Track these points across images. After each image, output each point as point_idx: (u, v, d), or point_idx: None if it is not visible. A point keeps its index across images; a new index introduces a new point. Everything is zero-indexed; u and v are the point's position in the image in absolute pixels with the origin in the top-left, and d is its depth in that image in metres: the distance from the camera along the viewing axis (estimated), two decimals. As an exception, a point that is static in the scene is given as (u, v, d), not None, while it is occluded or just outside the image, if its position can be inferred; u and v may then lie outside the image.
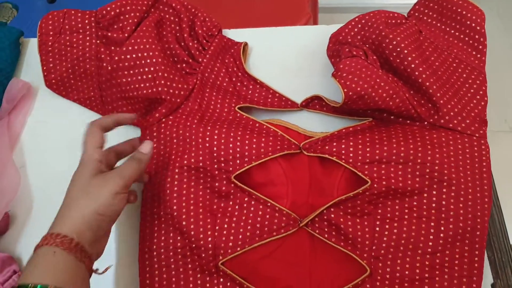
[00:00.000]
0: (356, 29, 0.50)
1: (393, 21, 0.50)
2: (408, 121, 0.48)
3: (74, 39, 0.53)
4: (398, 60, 0.47)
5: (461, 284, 0.43)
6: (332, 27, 0.55)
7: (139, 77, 0.49)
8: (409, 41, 0.47)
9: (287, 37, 0.58)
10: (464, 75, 0.49)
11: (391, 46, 0.47)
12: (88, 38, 0.53)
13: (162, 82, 0.48)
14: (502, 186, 1.20)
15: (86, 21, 0.54)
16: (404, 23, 0.51)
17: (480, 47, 0.50)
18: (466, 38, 0.50)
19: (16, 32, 0.54)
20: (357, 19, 0.50)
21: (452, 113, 0.47)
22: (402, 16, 0.51)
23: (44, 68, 0.52)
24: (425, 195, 0.45)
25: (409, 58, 0.46)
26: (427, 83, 0.46)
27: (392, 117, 0.49)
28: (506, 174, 1.24)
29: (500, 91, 1.38)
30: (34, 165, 0.52)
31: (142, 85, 0.49)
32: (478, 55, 0.50)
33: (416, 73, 0.46)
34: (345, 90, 0.45)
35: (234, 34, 0.57)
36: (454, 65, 0.50)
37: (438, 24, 0.52)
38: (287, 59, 0.56)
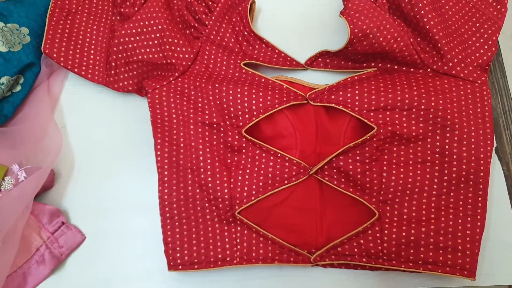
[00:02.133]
0: None
1: None
2: (412, 69, 0.50)
3: (91, 20, 0.55)
4: (409, 6, 0.48)
5: (465, 223, 0.45)
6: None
7: (145, 43, 0.50)
8: None
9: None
10: (478, 24, 0.50)
11: None
12: (103, 19, 0.56)
13: (167, 47, 0.50)
14: None
15: (106, 6, 0.56)
16: None
17: None
18: None
19: None
20: None
21: (455, 60, 0.48)
22: None
23: (49, 37, 0.53)
24: (429, 140, 0.46)
25: (420, 4, 0.47)
26: (434, 30, 0.47)
27: (396, 66, 0.50)
28: None
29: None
30: (74, 125, 0.55)
31: (148, 50, 0.50)
32: (498, 6, 0.51)
33: (425, 19, 0.47)
34: (351, 26, 0.46)
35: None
36: (470, 14, 0.51)
37: None
38: (294, 19, 0.57)
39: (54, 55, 0.52)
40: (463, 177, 0.46)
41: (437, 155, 0.46)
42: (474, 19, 0.51)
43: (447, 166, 0.46)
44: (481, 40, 0.49)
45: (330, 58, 0.53)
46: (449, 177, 0.46)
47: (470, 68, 0.48)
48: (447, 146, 0.46)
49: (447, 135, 0.46)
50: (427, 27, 0.47)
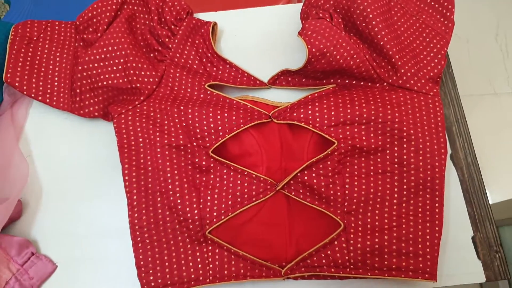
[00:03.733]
0: None
1: None
2: (369, 83, 0.52)
3: (53, 48, 0.55)
4: (363, 24, 0.50)
5: (425, 228, 0.48)
6: (297, 7, 0.59)
7: (109, 68, 0.51)
8: (376, 6, 0.51)
9: (257, 18, 0.60)
10: (427, 39, 0.53)
11: (358, 10, 0.50)
12: (66, 46, 0.56)
13: (132, 71, 0.51)
14: (487, 147, 1.25)
15: (68, 32, 0.56)
16: None
17: (448, 14, 0.54)
18: (436, 5, 0.54)
19: (10, 27, 0.54)
20: None
21: (409, 74, 0.51)
22: None
23: (10, 65, 0.53)
24: (388, 151, 0.49)
25: (373, 22, 0.50)
26: (388, 46, 0.50)
27: (354, 82, 0.53)
28: (490, 135, 1.30)
29: (484, 56, 1.41)
30: (40, 153, 0.55)
31: (112, 75, 0.51)
32: (446, 22, 0.54)
33: (379, 36, 0.50)
34: (309, 46, 0.48)
35: (206, 17, 0.59)
36: (420, 29, 0.54)
37: None
38: (256, 39, 0.59)
39: (17, 84, 0.52)
40: (420, 185, 0.48)
41: (396, 165, 0.49)
42: (424, 34, 0.54)
43: (405, 176, 0.48)
44: (431, 54, 0.52)
45: (292, 76, 0.55)
46: (408, 185, 0.48)
47: (423, 81, 0.51)
48: (404, 156, 0.49)
49: (404, 145, 0.49)
50: (381, 43, 0.50)
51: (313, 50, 0.48)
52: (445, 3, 0.54)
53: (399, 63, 0.51)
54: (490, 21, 1.60)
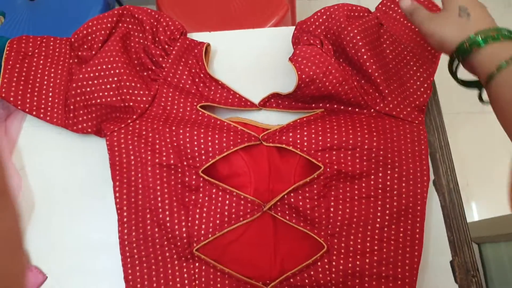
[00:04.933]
0: (320, 20, 0.55)
1: (355, 14, 0.55)
2: (356, 109, 0.54)
3: (48, 63, 0.56)
4: (353, 51, 0.52)
5: (405, 253, 0.49)
6: (288, 30, 0.60)
7: (103, 86, 0.52)
8: (365, 34, 0.52)
9: (249, 39, 0.62)
10: (414, 68, 0.55)
11: (348, 38, 0.52)
12: (61, 62, 0.56)
13: (125, 90, 0.52)
14: (475, 164, 1.27)
15: (63, 48, 0.57)
16: (366, 16, 0.55)
17: None
18: None
19: (5, 41, 0.55)
20: (322, 10, 0.55)
21: (395, 102, 0.53)
22: (365, 10, 0.56)
23: (5, 80, 0.54)
24: (372, 177, 0.50)
25: (362, 50, 0.51)
26: (375, 74, 0.52)
27: (342, 107, 0.54)
28: (478, 152, 1.31)
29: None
30: (33, 167, 0.56)
31: (106, 93, 0.52)
32: (433, 51, 0.55)
33: (367, 63, 0.51)
34: (299, 73, 0.50)
35: (201, 37, 0.60)
36: (408, 58, 0.55)
37: (401, 19, 0.57)
38: (248, 61, 0.60)
39: (11, 99, 0.53)
40: (402, 211, 0.50)
41: (379, 191, 0.50)
42: (411, 63, 0.55)
43: (388, 201, 0.50)
44: (418, 83, 0.54)
45: (282, 99, 0.56)
46: (390, 211, 0.50)
47: (408, 109, 0.53)
48: (388, 183, 0.50)
49: (388, 172, 0.50)
50: (369, 71, 0.52)
51: (303, 76, 0.50)
52: None
53: (386, 91, 0.52)
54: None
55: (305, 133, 0.51)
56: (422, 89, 0.54)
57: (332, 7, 0.55)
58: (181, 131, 0.51)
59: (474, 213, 1.30)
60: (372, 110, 0.53)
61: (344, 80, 0.51)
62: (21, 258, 0.22)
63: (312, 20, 0.56)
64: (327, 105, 0.54)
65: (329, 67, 0.50)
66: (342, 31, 0.52)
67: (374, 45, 0.53)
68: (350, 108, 0.54)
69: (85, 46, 0.55)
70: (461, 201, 0.55)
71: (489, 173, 1.29)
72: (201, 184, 0.51)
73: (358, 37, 0.51)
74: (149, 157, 0.51)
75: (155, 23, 0.56)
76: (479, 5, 0.44)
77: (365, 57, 0.51)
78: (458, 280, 0.52)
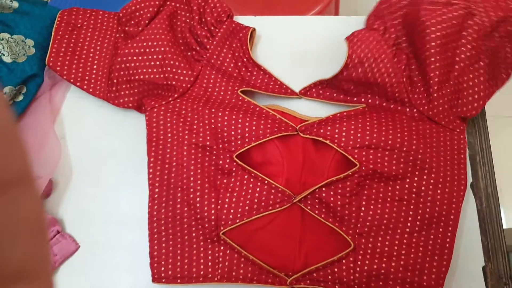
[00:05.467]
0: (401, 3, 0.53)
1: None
2: (399, 107, 0.52)
3: (95, 36, 0.57)
4: (419, 43, 0.50)
5: (433, 261, 0.48)
6: (334, 19, 0.59)
7: (147, 63, 0.53)
8: (442, 26, 0.48)
9: (296, 26, 0.61)
10: (481, 79, 0.50)
11: (419, 28, 0.49)
12: (108, 36, 0.57)
13: (169, 68, 0.52)
14: (508, 170, 1.23)
15: (110, 22, 0.58)
16: (453, 3, 0.50)
17: None
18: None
19: (56, 12, 0.57)
20: None
21: (441, 108, 0.51)
22: None
23: (53, 50, 0.55)
24: (407, 180, 0.49)
25: (432, 43, 0.48)
26: (433, 73, 0.49)
27: (384, 104, 0.53)
28: (510, 158, 1.27)
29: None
30: (73, 137, 0.57)
31: (149, 70, 0.53)
32: (510, 70, 0.51)
33: (427, 60, 0.49)
34: (350, 51, 0.49)
35: (246, 21, 0.60)
36: (480, 64, 0.50)
37: (493, 15, 0.50)
38: (292, 48, 0.60)
39: (58, 68, 0.54)
40: (435, 218, 0.49)
41: (413, 195, 0.49)
42: (480, 71, 0.50)
43: (421, 206, 0.49)
44: (476, 97, 0.51)
45: (324, 89, 0.55)
46: (422, 216, 0.49)
47: (451, 117, 0.51)
48: (423, 188, 0.49)
49: (424, 177, 0.49)
50: (428, 68, 0.49)
51: (353, 56, 0.49)
52: None
53: (435, 94, 0.50)
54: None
55: (344, 128, 0.50)
56: (475, 105, 0.51)
57: None
58: (220, 113, 0.51)
59: (506, 220, 1.26)
60: (415, 110, 0.52)
61: (393, 72, 0.50)
62: (44, 243, 0.23)
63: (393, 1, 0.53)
64: (369, 100, 0.53)
65: (382, 56, 0.49)
66: (417, 19, 0.49)
67: (449, 39, 0.49)
68: (392, 106, 0.53)
69: (132, 22, 0.56)
70: (498, 207, 0.53)
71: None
72: (234, 169, 0.51)
73: (428, 30, 0.48)
74: (186, 136, 0.51)
75: (203, 4, 0.56)
76: None
77: (429, 52, 0.48)
78: (490, 287, 0.51)
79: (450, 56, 0.50)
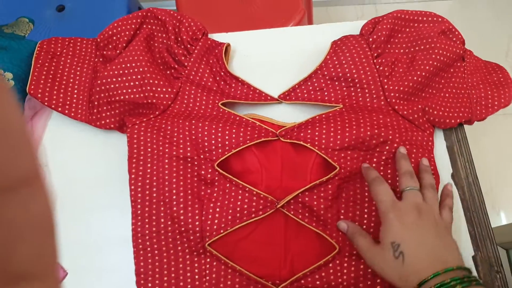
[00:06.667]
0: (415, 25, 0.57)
1: (450, 35, 0.56)
2: (375, 105, 0.53)
3: (75, 62, 0.59)
4: (420, 54, 0.54)
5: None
6: (304, 29, 0.61)
7: (127, 84, 0.54)
8: (445, 53, 0.54)
9: (268, 38, 0.63)
10: (459, 105, 0.55)
11: (425, 53, 0.54)
12: (87, 61, 0.59)
13: (148, 87, 0.54)
14: (500, 168, 1.23)
15: (89, 48, 0.60)
16: (456, 45, 0.55)
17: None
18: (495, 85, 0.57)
19: (33, 45, 0.58)
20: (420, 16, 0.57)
21: (418, 113, 0.53)
22: (462, 40, 0.56)
23: (34, 78, 0.56)
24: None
25: (426, 62, 0.53)
26: (414, 79, 0.53)
27: (360, 99, 0.54)
28: (503, 156, 1.27)
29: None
30: (56, 164, 0.58)
31: (129, 90, 0.54)
32: (484, 111, 0.55)
33: (418, 71, 0.53)
34: (331, 50, 0.54)
35: (220, 37, 0.61)
36: (460, 95, 0.55)
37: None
38: (268, 58, 0.61)
39: (39, 95, 0.56)
40: None
41: None
42: (460, 100, 0.55)
43: None
44: (456, 116, 0.54)
45: (302, 91, 0.55)
46: None
47: (421, 120, 0.53)
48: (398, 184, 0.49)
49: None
50: (413, 73, 0.53)
51: (333, 54, 0.54)
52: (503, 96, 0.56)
53: (413, 98, 0.53)
54: (500, 39, 1.59)
55: (324, 131, 0.51)
56: (452, 121, 0.54)
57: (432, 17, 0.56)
58: (200, 124, 0.52)
59: (502, 217, 1.25)
60: (390, 108, 0.53)
61: (370, 70, 0.53)
62: (53, 242, 0.23)
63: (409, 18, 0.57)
64: (346, 100, 0.54)
65: (364, 65, 0.53)
66: (427, 46, 0.54)
67: (438, 67, 0.54)
68: (369, 105, 0.53)
69: (110, 46, 0.57)
70: (481, 195, 0.53)
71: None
72: (216, 178, 0.51)
73: (433, 45, 0.54)
74: (167, 150, 0.52)
75: (178, 24, 0.58)
76: (414, 236, 0.41)
77: (427, 67, 0.53)
78: (482, 276, 0.50)
79: (436, 81, 0.55)
